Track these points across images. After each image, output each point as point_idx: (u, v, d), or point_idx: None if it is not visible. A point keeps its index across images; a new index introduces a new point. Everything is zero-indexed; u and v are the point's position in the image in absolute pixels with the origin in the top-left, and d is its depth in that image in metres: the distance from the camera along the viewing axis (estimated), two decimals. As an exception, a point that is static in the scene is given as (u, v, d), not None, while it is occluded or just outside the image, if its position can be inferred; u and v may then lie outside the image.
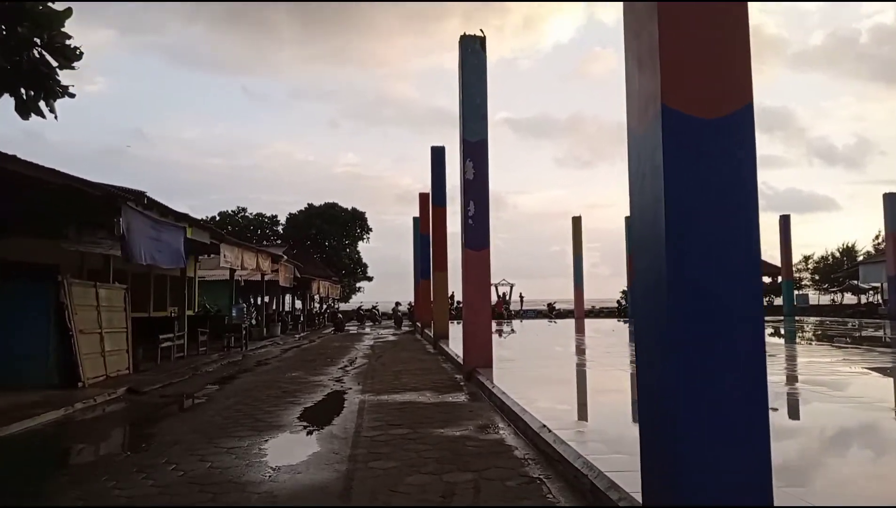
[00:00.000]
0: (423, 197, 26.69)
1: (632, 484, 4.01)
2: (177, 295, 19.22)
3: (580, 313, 36.91)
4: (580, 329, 26.69)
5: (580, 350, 16.08)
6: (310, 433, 7.11)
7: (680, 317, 2.94)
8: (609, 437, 5.90)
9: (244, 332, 19.16)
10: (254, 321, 25.44)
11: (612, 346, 18.21)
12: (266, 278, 24.57)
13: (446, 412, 7.95)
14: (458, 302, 38.76)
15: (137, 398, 10.00)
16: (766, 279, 50.89)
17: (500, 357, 11.30)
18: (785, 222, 38.04)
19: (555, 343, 19.43)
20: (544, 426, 5.93)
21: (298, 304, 41.94)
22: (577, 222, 36.79)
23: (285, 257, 24.99)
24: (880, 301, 41.10)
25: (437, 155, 19.88)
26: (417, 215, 30.58)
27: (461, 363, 12.52)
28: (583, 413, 7.19)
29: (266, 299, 34.73)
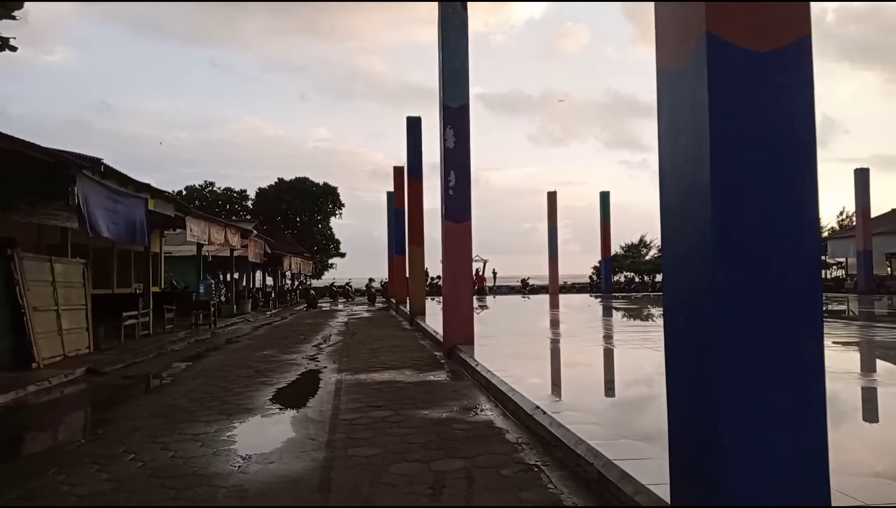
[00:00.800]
0: (397, 170, 26.04)
1: (648, 475, 3.60)
2: (142, 271, 18.39)
3: (554, 288, 36.76)
4: (556, 304, 26.50)
5: (560, 326, 15.79)
6: (283, 416, 6.60)
7: (727, 288, 2.49)
8: (610, 420, 5.52)
9: (213, 309, 18.46)
10: (223, 298, 24.67)
11: (591, 321, 18.00)
12: (235, 253, 23.79)
13: (429, 392, 7.51)
14: (433, 278, 38.37)
15: (97, 380, 9.36)
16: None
17: (480, 334, 10.86)
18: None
19: (534, 319, 19.13)
20: (538, 407, 5.51)
21: (270, 281, 41.08)
22: (552, 197, 36.46)
23: (255, 232, 24.20)
24: (845, 276, 41.80)
25: (413, 125, 19.18)
26: (392, 189, 29.90)
27: (440, 339, 12.09)
28: (576, 393, 6.78)
29: (236, 275, 33.88)
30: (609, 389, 7.44)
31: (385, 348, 12.28)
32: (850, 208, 50.02)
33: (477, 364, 8.30)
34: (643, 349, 10.44)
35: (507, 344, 11.21)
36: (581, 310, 23.65)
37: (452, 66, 10.32)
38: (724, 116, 2.53)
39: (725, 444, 2.50)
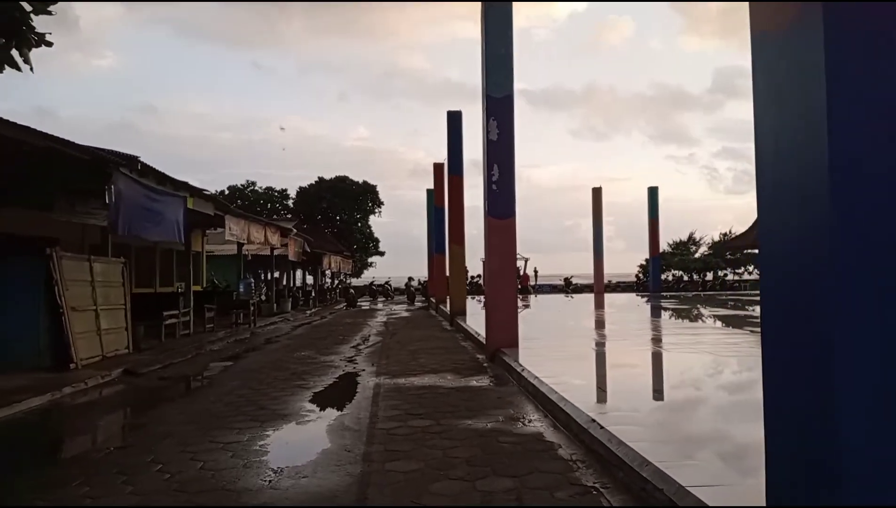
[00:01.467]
0: (437, 167, 25.65)
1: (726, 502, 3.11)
2: (183, 270, 18.43)
3: (599, 287, 35.82)
4: (602, 304, 25.72)
5: (608, 327, 15.13)
6: (318, 424, 6.25)
7: (850, 284, 2.02)
8: (676, 435, 4.97)
9: (252, 308, 18.39)
10: (263, 297, 24.72)
11: (641, 322, 17.25)
12: (275, 252, 23.79)
13: (472, 399, 7.08)
14: (473, 277, 37.90)
15: (133, 381, 9.22)
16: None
17: (524, 336, 10.36)
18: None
19: (580, 320, 18.33)
20: (593, 420, 5.03)
21: (310, 279, 41.25)
22: (597, 193, 35.56)
23: (294, 230, 24.16)
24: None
25: (454, 120, 18.73)
26: (432, 187, 29.58)
27: (482, 341, 11.65)
28: (633, 403, 6.23)
29: (276, 274, 34.05)
30: (670, 399, 6.80)
31: (425, 349, 11.90)
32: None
33: (523, 370, 7.84)
34: (701, 354, 9.81)
35: (555, 347, 10.69)
36: (629, 310, 22.84)
37: (496, 53, 9.85)
38: (844, 81, 2.03)
39: (845, 443, 2.14)
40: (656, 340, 12.01)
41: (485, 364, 9.70)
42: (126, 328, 12.03)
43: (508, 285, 10.01)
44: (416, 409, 6.60)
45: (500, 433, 5.57)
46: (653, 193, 37.07)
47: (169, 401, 7.91)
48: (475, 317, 17.88)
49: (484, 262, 50.15)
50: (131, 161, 9.94)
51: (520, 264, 46.54)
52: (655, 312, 21.00)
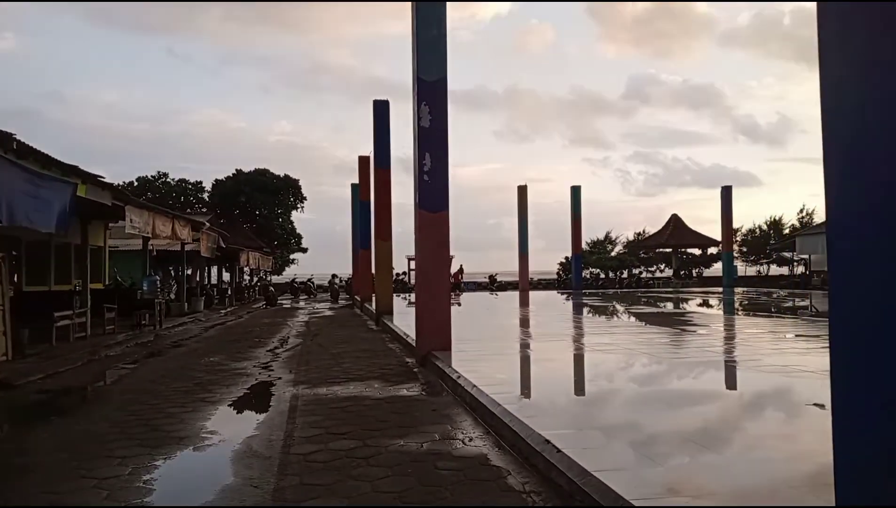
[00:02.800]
0: (362, 160, 24.61)
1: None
2: (81, 266, 16.64)
3: (524, 284, 35.79)
4: (529, 302, 25.45)
5: (543, 326, 14.63)
6: (221, 449, 5.27)
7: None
8: (647, 458, 4.21)
9: (158, 308, 16.83)
10: (172, 296, 22.96)
11: (573, 320, 16.88)
12: (187, 247, 22.11)
13: (403, 413, 6.26)
14: (398, 274, 36.99)
15: (5, 395, 7.86)
16: (697, 251, 51.72)
17: (456, 337, 9.56)
18: (727, 193, 37.80)
19: (511, 318, 17.69)
20: (547, 441, 4.32)
21: (228, 277, 39.18)
22: (522, 191, 35.49)
23: (207, 224, 22.54)
24: (810, 272, 41.96)
25: (381, 110, 17.74)
26: (357, 182, 28.45)
27: (411, 343, 10.86)
28: (591, 418, 5.55)
29: (189, 271, 31.99)
30: (630, 410, 5.87)
31: (349, 352, 10.98)
32: (810, 205, 50.87)
33: (458, 376, 7.09)
34: (647, 354, 9.38)
35: (490, 350, 10.01)
36: (558, 308, 22.62)
37: (428, 34, 9.05)
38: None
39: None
40: (594, 340, 11.56)
41: (415, 370, 8.89)
42: (4, 331, 10.49)
43: (440, 283, 9.23)
44: (339, 426, 5.72)
45: (437, 455, 4.79)
46: (576, 191, 37.32)
47: (43, 421, 6.68)
48: (402, 316, 17.06)
49: (411, 259, 49.31)
50: (5, 139, 8.53)
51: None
52: (581, 309, 20.84)
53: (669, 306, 22.01)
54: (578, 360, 9.16)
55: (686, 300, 25.12)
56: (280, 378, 8.49)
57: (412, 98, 9.32)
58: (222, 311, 24.78)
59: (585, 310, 20.37)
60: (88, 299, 15.89)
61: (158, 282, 17.33)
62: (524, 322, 16.20)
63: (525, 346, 10.55)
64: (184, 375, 8.92)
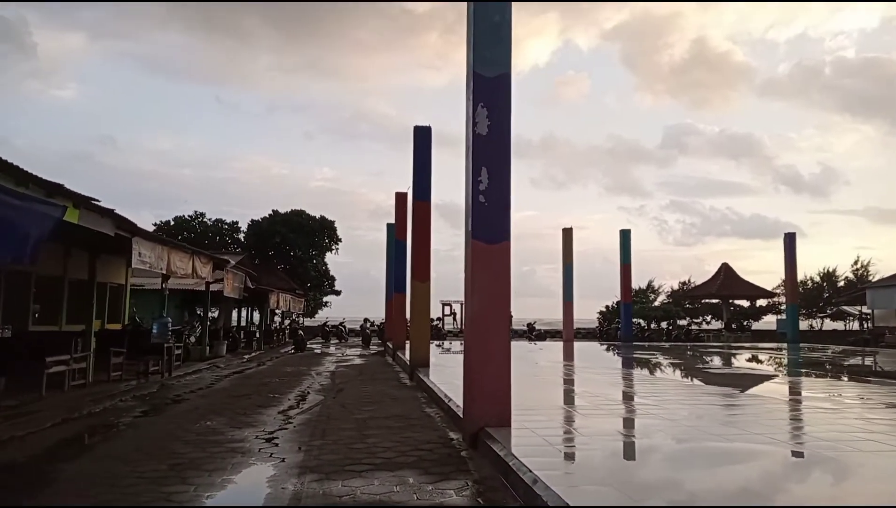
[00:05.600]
0: (399, 197, 22.80)
1: None
2: (87, 304, 15.01)
3: (569, 334, 33.15)
4: (580, 355, 22.93)
5: (619, 389, 11.88)
6: None
7: None
8: None
9: (166, 354, 14.99)
10: (192, 339, 21.21)
11: (655, 382, 13.91)
12: (211, 287, 20.44)
13: (453, 541, 4.06)
14: (432, 320, 34.76)
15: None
16: (745, 303, 48.26)
17: (513, 404, 7.36)
18: (790, 240, 34.78)
19: (571, 378, 14.66)
20: None
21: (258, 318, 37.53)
22: (567, 234, 33.22)
23: (231, 262, 20.87)
24: (874, 326, 38.38)
25: (422, 136, 15.83)
26: (392, 221, 26.67)
27: (453, 409, 8.66)
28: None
29: (215, 312, 30.44)
30: None
31: (378, 419, 8.83)
32: (864, 257, 47.58)
33: (535, 480, 4.85)
34: (798, 445, 6.98)
35: (564, 427, 7.72)
36: (621, 364, 20.04)
37: (488, 19, 7.12)
38: None
39: None
40: (701, 413, 9.15)
41: (463, 453, 6.65)
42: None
43: (498, 337, 7.04)
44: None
45: None
46: (625, 236, 34.77)
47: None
48: (440, 370, 14.88)
49: (446, 304, 46.81)
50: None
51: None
52: (655, 368, 18.21)
53: (754, 367, 19.11)
54: (713, 455, 6.75)
55: (760, 359, 22.11)
56: (283, 461, 6.35)
57: (465, 99, 7.35)
58: (245, 356, 22.92)
59: (658, 368, 17.60)
60: (92, 341, 14.17)
61: (170, 324, 15.53)
62: (592, 384, 13.15)
63: (614, 419, 8.19)
64: (164, 449, 6.87)
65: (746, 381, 13.94)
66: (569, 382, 13.59)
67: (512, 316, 39.91)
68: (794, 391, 12.55)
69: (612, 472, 5.41)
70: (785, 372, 16.83)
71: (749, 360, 21.30)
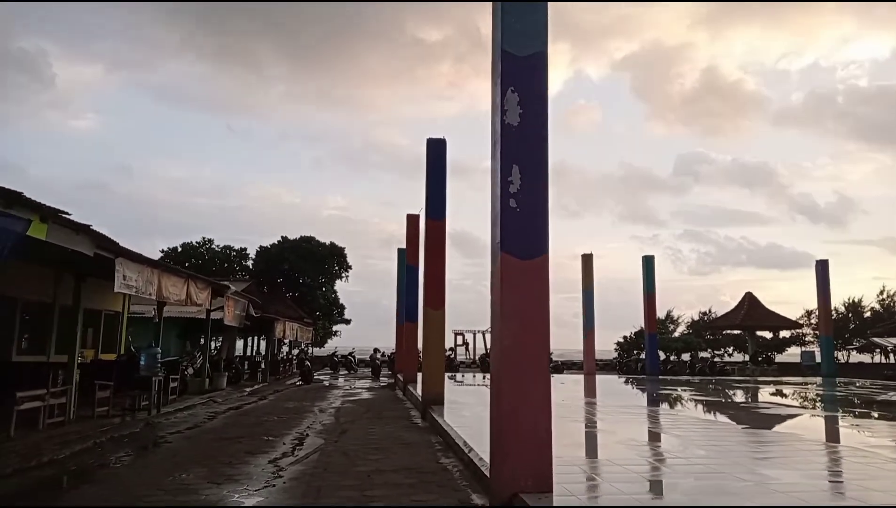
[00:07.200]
0: (411, 219, 21.54)
1: None
2: (71, 333, 13.74)
3: (590, 367, 31.38)
4: (607, 390, 21.29)
5: (674, 439, 9.95)
6: None
7: None
8: None
9: (155, 388, 13.62)
10: (190, 370, 19.85)
11: (697, 427, 11.79)
12: (212, 315, 19.15)
13: None
14: (447, 350, 33.16)
15: None
16: (769, 334, 46.22)
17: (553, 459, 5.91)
18: (822, 268, 33.00)
19: (608, 418, 12.63)
20: None
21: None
22: (587, 260, 31.71)
23: (232, 288, 19.57)
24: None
25: (436, 150, 14.56)
26: (403, 246, 25.40)
27: (475, 462, 7.18)
28: None
29: (217, 342, 29.13)
30: None
31: (384, 472, 7.38)
32: (889, 287, 45.74)
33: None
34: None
35: (619, 487, 6.27)
36: (656, 402, 18.36)
37: (519, -14, 5.91)
38: None
39: None
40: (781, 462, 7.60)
41: (493, 526, 5.21)
42: None
43: (537, 371, 5.64)
44: None
45: None
46: (648, 263, 33.10)
47: None
48: (456, 407, 13.40)
49: (459, 334, 45.19)
50: None
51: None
52: (688, 403, 16.52)
53: (817, 409, 17.31)
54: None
55: (810, 397, 20.04)
56: (262, 537, 4.93)
57: (491, 84, 6.06)
58: (247, 389, 21.49)
59: (704, 409, 15.70)
60: (75, 373, 12.86)
61: (159, 355, 14.18)
62: (636, 429, 11.22)
63: (686, 479, 6.70)
64: (116, 516, 5.47)
65: (828, 430, 12.22)
66: (609, 430, 11.12)
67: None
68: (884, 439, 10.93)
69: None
70: (853, 414, 14.84)
71: (803, 398, 19.24)
